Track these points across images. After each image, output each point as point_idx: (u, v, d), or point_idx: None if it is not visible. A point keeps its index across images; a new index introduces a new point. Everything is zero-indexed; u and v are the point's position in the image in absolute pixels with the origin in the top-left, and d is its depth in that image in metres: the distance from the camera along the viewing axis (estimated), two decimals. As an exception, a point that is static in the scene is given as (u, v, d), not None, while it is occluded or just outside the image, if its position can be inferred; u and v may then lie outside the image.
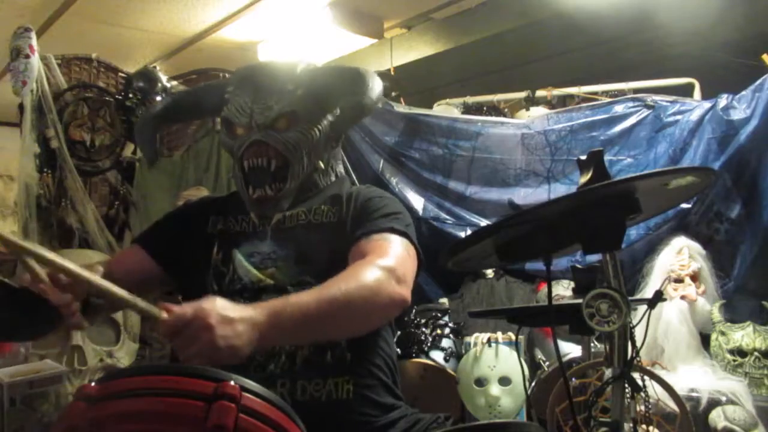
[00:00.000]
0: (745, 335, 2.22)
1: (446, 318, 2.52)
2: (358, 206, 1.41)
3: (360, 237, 1.31)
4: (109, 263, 1.43)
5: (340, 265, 1.24)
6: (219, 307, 0.99)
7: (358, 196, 1.44)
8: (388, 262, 1.20)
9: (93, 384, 0.81)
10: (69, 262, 1.06)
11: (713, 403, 2.01)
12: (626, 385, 1.16)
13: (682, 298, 2.29)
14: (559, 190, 2.77)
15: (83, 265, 1.24)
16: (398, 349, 2.23)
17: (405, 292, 1.20)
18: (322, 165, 1.50)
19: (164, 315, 0.99)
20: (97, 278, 1.07)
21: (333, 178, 1.54)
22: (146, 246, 1.47)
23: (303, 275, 1.28)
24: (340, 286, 1.11)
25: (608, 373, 1.21)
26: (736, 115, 2.47)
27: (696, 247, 2.38)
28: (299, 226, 1.42)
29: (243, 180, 1.44)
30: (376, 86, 1.44)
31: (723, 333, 2.26)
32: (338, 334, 1.22)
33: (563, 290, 2.46)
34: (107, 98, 3.17)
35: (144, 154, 1.64)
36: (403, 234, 1.31)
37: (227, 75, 3.15)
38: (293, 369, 1.26)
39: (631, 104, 2.77)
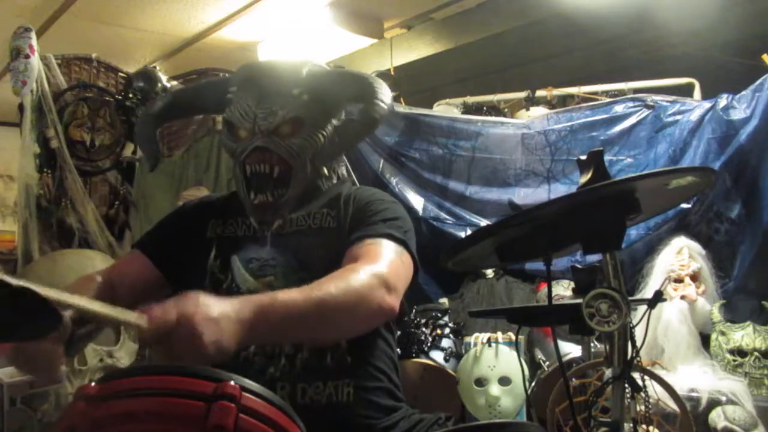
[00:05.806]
0: (745, 335, 2.22)
1: (446, 318, 2.52)
2: (357, 209, 1.38)
3: (354, 240, 1.28)
4: (110, 272, 1.40)
5: None
6: (202, 305, 0.94)
7: (356, 198, 1.41)
8: (380, 270, 1.17)
9: (93, 384, 0.81)
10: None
11: (713, 403, 2.00)
12: (626, 385, 1.16)
13: (682, 298, 2.28)
14: (559, 190, 2.77)
15: (81, 278, 1.21)
16: (398, 349, 2.23)
17: (394, 301, 1.17)
18: (325, 171, 1.47)
19: (144, 322, 0.92)
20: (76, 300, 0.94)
21: (335, 181, 1.51)
22: (146, 251, 1.43)
23: (302, 283, 1.21)
24: (330, 288, 1.09)
25: (608, 373, 1.21)
26: (736, 115, 2.47)
27: (696, 247, 2.37)
28: (298, 231, 1.39)
29: (244, 184, 1.41)
30: (387, 98, 1.41)
31: (723, 333, 2.26)
32: (322, 336, 1.19)
33: (563, 290, 2.46)
34: (107, 98, 3.18)
35: (145, 156, 1.60)
36: (399, 241, 1.28)
37: (227, 75, 3.15)
38: (293, 372, 1.25)
39: (631, 104, 2.78)
